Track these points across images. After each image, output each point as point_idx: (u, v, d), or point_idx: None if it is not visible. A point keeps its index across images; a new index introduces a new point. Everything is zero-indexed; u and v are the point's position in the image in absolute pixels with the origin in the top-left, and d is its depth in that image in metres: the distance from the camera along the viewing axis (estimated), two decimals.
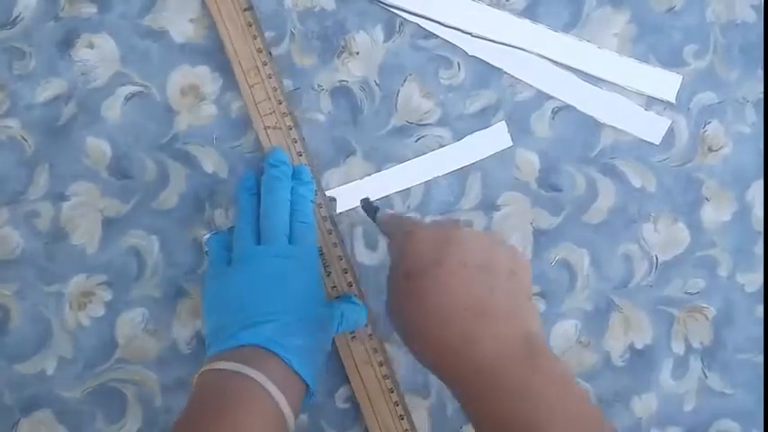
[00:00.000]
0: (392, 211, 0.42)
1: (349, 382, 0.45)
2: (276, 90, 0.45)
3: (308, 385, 0.38)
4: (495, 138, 0.47)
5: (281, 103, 0.45)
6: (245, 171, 0.45)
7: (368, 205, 0.43)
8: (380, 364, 0.45)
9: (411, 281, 0.33)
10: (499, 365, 0.31)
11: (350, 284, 0.45)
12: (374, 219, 0.42)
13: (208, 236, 0.45)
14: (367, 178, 0.47)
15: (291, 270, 0.40)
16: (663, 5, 0.48)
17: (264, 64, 0.45)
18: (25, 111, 0.46)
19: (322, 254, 0.45)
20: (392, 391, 0.45)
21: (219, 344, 0.38)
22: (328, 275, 0.45)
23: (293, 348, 0.37)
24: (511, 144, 0.47)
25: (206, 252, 0.45)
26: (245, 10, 0.45)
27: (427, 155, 0.47)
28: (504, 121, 0.47)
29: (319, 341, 0.40)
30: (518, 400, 0.30)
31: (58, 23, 0.46)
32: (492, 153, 0.47)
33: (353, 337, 0.45)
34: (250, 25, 0.45)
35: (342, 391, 0.46)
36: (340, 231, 0.46)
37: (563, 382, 0.31)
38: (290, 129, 0.45)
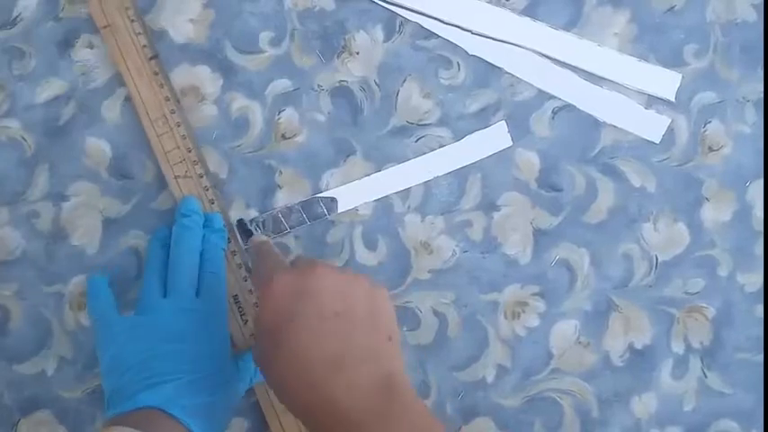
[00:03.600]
0: (265, 238, 0.42)
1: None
2: (185, 138, 0.45)
3: None
4: (495, 137, 0.47)
5: (190, 151, 0.45)
6: (160, 225, 0.45)
7: (242, 227, 0.45)
8: None
9: (270, 336, 0.33)
10: (355, 417, 0.31)
11: None
12: (245, 242, 0.44)
13: (96, 275, 0.44)
14: (366, 178, 0.47)
15: (196, 324, 0.40)
16: (663, 5, 0.48)
17: (172, 112, 0.45)
18: (25, 111, 0.46)
19: (238, 301, 0.45)
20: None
21: (117, 406, 0.37)
22: (245, 323, 0.45)
23: (193, 409, 0.37)
24: (511, 144, 0.47)
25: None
26: (150, 59, 0.45)
27: (427, 155, 0.47)
28: (504, 121, 0.47)
29: (224, 398, 0.40)
30: None
31: (58, 23, 0.46)
32: (492, 153, 0.47)
33: None
34: (156, 74, 0.45)
35: None
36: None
37: (421, 427, 0.31)
38: (201, 177, 0.45)
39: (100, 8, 0.45)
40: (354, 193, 0.47)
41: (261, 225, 0.46)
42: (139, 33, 0.45)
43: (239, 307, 0.45)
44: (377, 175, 0.47)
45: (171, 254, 0.42)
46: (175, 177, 0.45)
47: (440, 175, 0.47)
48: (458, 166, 0.47)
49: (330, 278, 0.34)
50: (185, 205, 0.44)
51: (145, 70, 0.45)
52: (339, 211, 0.47)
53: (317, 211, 0.46)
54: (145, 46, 0.45)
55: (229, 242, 0.45)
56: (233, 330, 0.44)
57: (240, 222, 0.45)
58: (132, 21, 0.45)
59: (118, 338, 0.40)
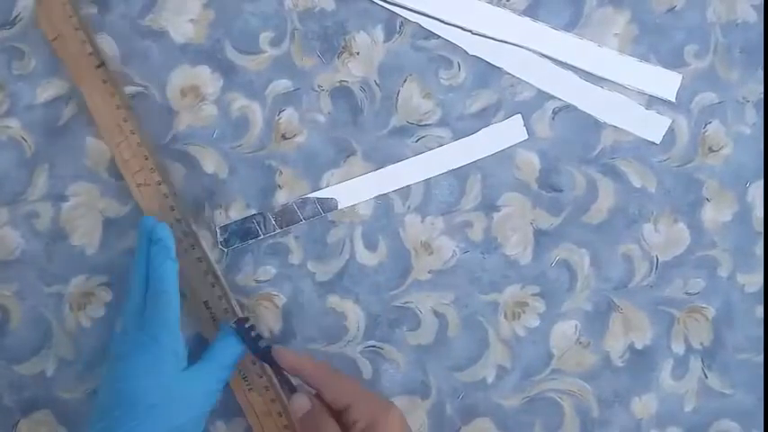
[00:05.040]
0: (309, 404, 0.40)
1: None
2: (141, 145, 0.44)
3: None
4: (511, 131, 0.47)
5: (146, 159, 0.44)
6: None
7: (240, 325, 0.42)
8: (280, 414, 0.44)
9: None
10: None
11: None
12: (254, 350, 0.42)
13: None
14: (380, 174, 0.47)
15: (134, 355, 0.39)
16: (663, 5, 0.48)
17: (125, 120, 0.44)
18: (25, 111, 0.46)
19: (209, 307, 0.44)
20: None
21: None
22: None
23: None
24: (526, 137, 0.47)
25: None
26: (97, 67, 0.44)
27: (441, 147, 0.47)
28: (519, 114, 0.47)
29: (179, 416, 0.39)
30: None
31: None
32: (508, 146, 0.47)
33: (250, 389, 0.44)
34: (105, 82, 0.44)
35: None
36: (223, 284, 0.45)
37: None
38: (160, 184, 0.44)
39: (47, 20, 0.45)
40: (355, 190, 0.47)
41: (260, 224, 0.46)
42: (84, 41, 0.44)
43: (211, 312, 0.44)
44: (391, 167, 0.47)
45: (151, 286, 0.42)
46: (137, 186, 0.44)
47: (455, 167, 0.47)
48: (472, 160, 0.47)
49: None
50: (138, 226, 0.43)
51: (94, 79, 0.44)
52: (339, 207, 0.47)
53: (313, 209, 0.46)
54: (91, 53, 0.44)
55: (193, 249, 0.44)
56: (209, 336, 0.44)
57: (239, 324, 0.42)
58: (77, 29, 0.44)
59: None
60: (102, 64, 0.45)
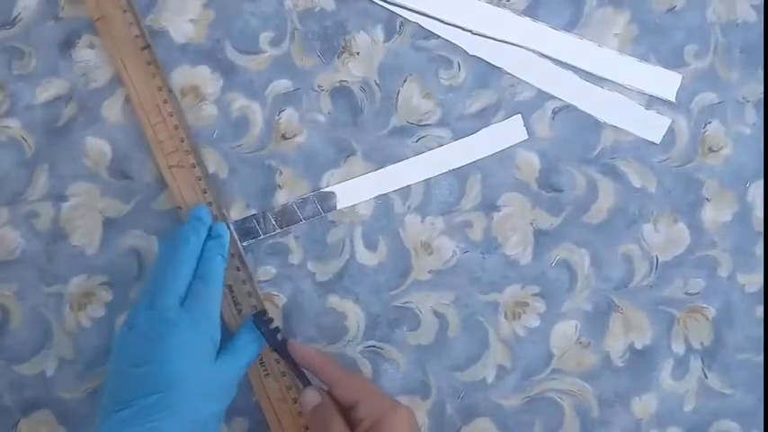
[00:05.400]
0: (319, 398, 0.41)
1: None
2: (178, 128, 0.45)
3: None
4: (511, 131, 0.47)
5: (183, 141, 0.45)
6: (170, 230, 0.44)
7: (259, 319, 0.43)
8: (295, 401, 0.44)
9: None
10: None
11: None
12: (275, 346, 0.43)
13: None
14: (382, 170, 0.47)
15: (169, 338, 0.38)
16: (663, 5, 0.48)
17: (165, 102, 0.45)
18: (25, 111, 0.46)
19: (232, 291, 0.45)
20: (306, 428, 0.44)
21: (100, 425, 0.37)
22: (239, 313, 0.45)
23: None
24: (526, 137, 0.47)
25: None
26: (143, 48, 0.45)
27: (441, 147, 0.47)
28: (519, 114, 0.47)
29: (205, 409, 0.39)
30: None
31: (57, 23, 0.46)
32: (507, 146, 0.47)
33: (267, 375, 0.44)
34: (149, 64, 0.45)
35: None
36: (248, 269, 0.45)
37: None
38: (194, 167, 0.45)
39: (95, 1, 0.45)
40: (355, 189, 0.47)
41: (260, 224, 0.46)
42: (132, 23, 0.45)
43: (233, 296, 0.45)
44: (392, 168, 0.47)
45: (166, 260, 0.41)
46: (169, 167, 0.45)
47: (455, 167, 0.47)
48: (472, 160, 0.47)
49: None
50: (191, 212, 0.44)
51: (138, 60, 0.45)
52: (339, 207, 0.47)
53: (313, 209, 0.46)
54: (137, 36, 0.45)
55: (228, 251, 0.45)
56: (228, 319, 0.44)
57: (258, 317, 0.43)
58: (125, 11, 0.45)
59: (112, 353, 0.40)
60: (147, 46, 0.45)
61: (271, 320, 0.43)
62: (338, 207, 0.47)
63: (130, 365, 0.38)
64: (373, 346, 0.47)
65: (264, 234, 0.46)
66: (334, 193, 0.47)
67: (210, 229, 0.44)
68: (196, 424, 0.38)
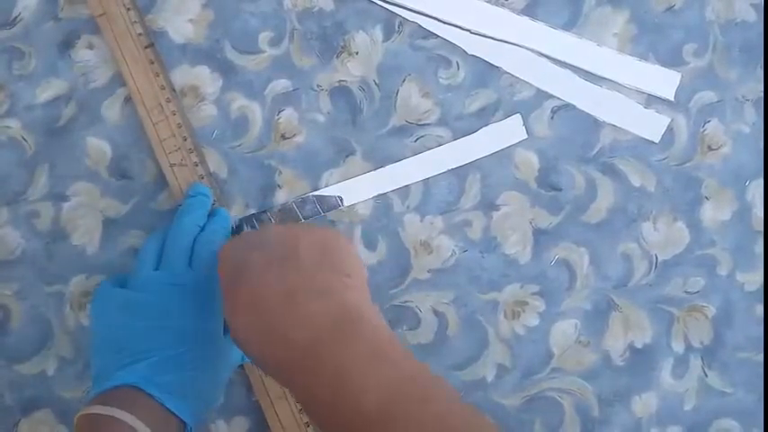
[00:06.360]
0: None
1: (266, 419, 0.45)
2: (181, 127, 0.45)
3: (186, 422, 0.37)
4: (510, 130, 0.47)
5: (185, 140, 0.45)
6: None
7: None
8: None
9: (227, 293, 0.35)
10: (308, 347, 0.32)
11: None
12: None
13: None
14: (381, 170, 0.47)
15: (182, 298, 0.39)
16: (662, 4, 0.48)
17: (168, 101, 0.45)
18: (25, 111, 0.46)
19: None
20: (308, 425, 0.44)
21: (98, 385, 0.37)
22: None
23: (170, 386, 0.37)
24: (525, 136, 0.47)
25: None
26: (146, 47, 0.45)
27: (441, 147, 0.47)
28: (519, 114, 0.47)
29: (210, 372, 0.39)
30: (334, 378, 0.31)
31: (57, 24, 0.46)
32: (507, 146, 0.47)
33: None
34: (152, 62, 0.45)
35: None
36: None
37: (378, 352, 0.32)
38: (197, 165, 0.45)
39: None
40: (355, 189, 0.47)
41: (260, 223, 0.46)
42: (135, 22, 0.45)
43: None
44: (390, 167, 0.47)
45: (170, 228, 0.42)
46: (171, 166, 0.45)
47: (454, 167, 0.47)
48: (471, 159, 0.47)
49: (276, 230, 0.37)
50: (193, 188, 0.44)
51: (140, 59, 0.45)
52: (340, 207, 0.47)
53: (315, 208, 0.46)
54: (140, 34, 0.45)
55: (231, 230, 0.45)
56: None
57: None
58: (128, 9, 0.45)
59: (108, 315, 0.39)
60: (151, 44, 0.45)
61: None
62: (338, 206, 0.47)
63: (140, 321, 0.38)
64: None
65: None
66: (333, 192, 0.47)
67: (213, 212, 0.44)
68: (217, 384, 0.40)
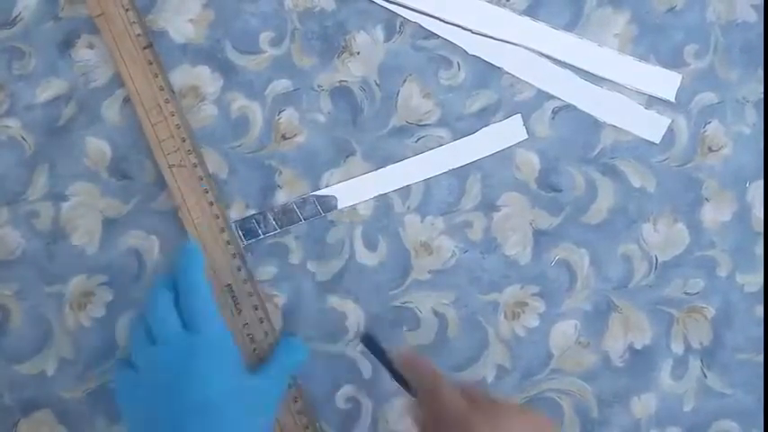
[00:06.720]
0: (403, 351, 0.41)
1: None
2: (180, 127, 0.45)
3: None
4: (511, 131, 0.47)
5: (184, 141, 0.45)
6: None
7: (368, 341, 0.44)
8: (295, 401, 0.44)
9: None
10: None
11: (261, 321, 0.45)
12: (380, 357, 0.43)
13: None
14: (382, 170, 0.47)
15: (194, 361, 0.38)
16: (663, 5, 0.48)
17: (167, 102, 0.45)
18: (25, 111, 0.46)
19: (232, 291, 0.44)
20: (307, 428, 0.44)
21: None
22: (239, 313, 0.44)
23: None
24: (526, 137, 0.47)
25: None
26: (144, 48, 0.45)
27: (441, 147, 0.47)
28: (519, 114, 0.47)
29: (251, 422, 0.38)
30: None
31: (57, 23, 0.46)
32: (507, 146, 0.47)
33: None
34: (150, 63, 0.45)
35: (343, 391, 0.46)
36: (249, 267, 0.45)
37: None
38: (196, 166, 0.45)
39: None
40: (355, 189, 0.47)
41: (260, 224, 0.46)
42: (134, 22, 0.45)
43: (233, 296, 0.45)
44: (393, 167, 0.47)
45: (181, 285, 0.40)
46: (170, 167, 0.45)
47: (454, 167, 0.47)
48: (471, 160, 0.47)
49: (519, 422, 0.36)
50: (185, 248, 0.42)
51: (139, 59, 0.45)
52: (339, 207, 0.47)
53: (315, 208, 0.46)
54: (139, 35, 0.45)
55: (223, 232, 0.45)
56: (227, 320, 0.44)
57: (366, 336, 0.44)
58: (127, 10, 0.45)
59: (128, 392, 0.39)
60: (149, 45, 0.45)
61: (377, 341, 0.44)
62: (338, 207, 0.47)
63: (149, 400, 0.38)
64: None
65: (264, 234, 0.46)
66: (333, 193, 0.47)
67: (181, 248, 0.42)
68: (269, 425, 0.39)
